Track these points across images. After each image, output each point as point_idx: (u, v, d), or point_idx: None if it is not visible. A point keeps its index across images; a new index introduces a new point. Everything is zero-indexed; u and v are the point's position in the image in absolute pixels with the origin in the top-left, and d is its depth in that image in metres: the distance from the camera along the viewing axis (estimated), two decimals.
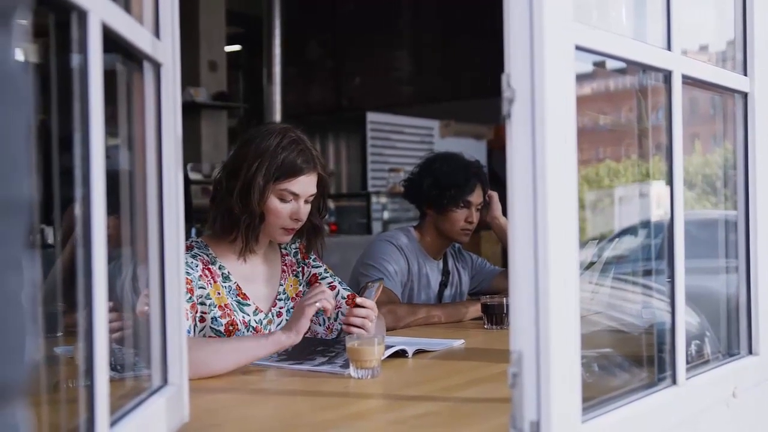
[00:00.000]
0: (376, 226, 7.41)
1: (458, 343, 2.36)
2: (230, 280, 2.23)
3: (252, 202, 2.16)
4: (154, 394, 1.32)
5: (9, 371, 0.57)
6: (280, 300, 2.34)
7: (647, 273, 1.96)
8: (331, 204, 7.75)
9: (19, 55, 0.59)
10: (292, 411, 1.65)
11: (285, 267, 2.39)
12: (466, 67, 9.29)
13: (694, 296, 1.69)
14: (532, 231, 1.17)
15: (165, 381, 1.37)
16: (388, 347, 2.04)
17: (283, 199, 2.19)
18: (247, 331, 2.22)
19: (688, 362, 1.56)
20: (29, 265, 0.60)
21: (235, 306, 2.21)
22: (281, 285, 2.36)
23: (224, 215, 2.21)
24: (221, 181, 2.23)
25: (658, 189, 1.91)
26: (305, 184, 2.21)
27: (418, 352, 2.18)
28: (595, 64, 1.48)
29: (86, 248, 1.01)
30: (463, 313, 2.87)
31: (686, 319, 1.57)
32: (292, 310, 2.32)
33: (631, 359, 1.72)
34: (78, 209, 1.02)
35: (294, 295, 2.37)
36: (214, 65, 7.81)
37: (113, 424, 1.09)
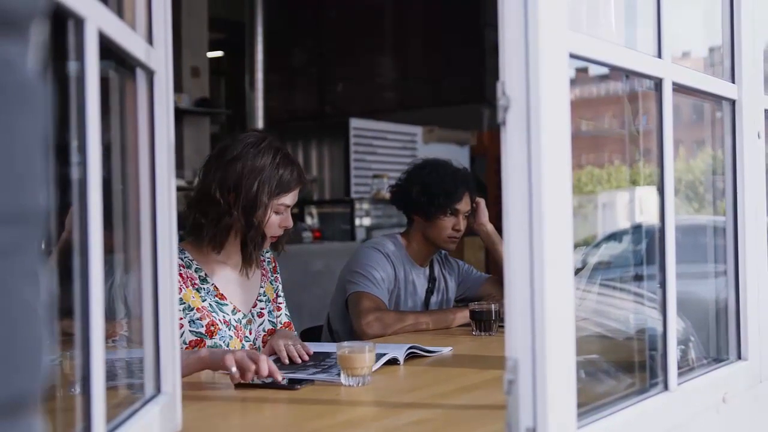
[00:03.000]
0: (360, 233, 7.39)
1: (447, 350, 2.36)
2: (208, 282, 2.29)
3: (256, 218, 2.24)
4: (147, 403, 1.31)
5: (26, 382, 0.57)
6: (261, 301, 2.42)
7: (634, 279, 1.97)
8: (314, 210, 7.72)
9: (36, 64, 0.59)
10: (284, 420, 1.64)
11: (264, 271, 2.47)
12: (449, 74, 9.33)
13: (680, 301, 1.70)
14: (527, 237, 1.17)
15: (158, 390, 1.36)
16: (379, 356, 2.04)
17: (278, 212, 2.30)
18: (228, 329, 2.26)
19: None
20: (44, 274, 0.60)
21: (214, 306, 2.26)
22: (261, 287, 2.43)
23: (225, 230, 2.26)
24: (213, 195, 2.22)
25: (641, 195, 1.92)
26: (296, 196, 2.34)
27: (410, 356, 2.18)
28: (578, 69, 1.49)
29: (83, 256, 1.00)
30: (450, 320, 2.87)
31: None
32: (272, 312, 2.43)
33: (622, 365, 1.73)
34: (74, 216, 1.02)
35: (272, 299, 2.46)
36: (197, 71, 7.78)
37: None
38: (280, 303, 2.52)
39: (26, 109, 0.56)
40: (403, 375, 2.08)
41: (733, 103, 1.84)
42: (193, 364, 1.95)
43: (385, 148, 8.22)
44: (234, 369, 1.81)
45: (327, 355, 2.20)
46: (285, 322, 2.47)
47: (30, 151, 0.57)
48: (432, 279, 3.16)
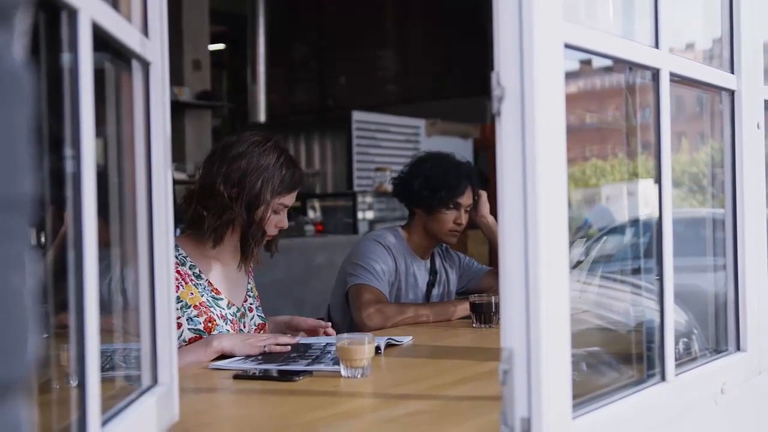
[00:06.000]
0: (362, 226, 7.39)
1: (407, 339, 2.39)
2: (202, 278, 2.31)
3: (257, 215, 2.28)
4: (144, 393, 1.32)
5: (12, 368, 0.57)
6: (250, 296, 2.46)
7: (635, 271, 1.97)
8: (317, 204, 7.73)
9: (20, 53, 0.59)
10: (282, 411, 1.65)
11: (250, 268, 2.51)
12: (451, 66, 9.33)
13: (682, 294, 1.70)
14: (522, 228, 1.17)
15: (155, 381, 1.37)
16: None
17: (275, 212, 2.33)
18: (225, 324, 2.29)
19: (676, 359, 1.56)
20: (31, 262, 0.60)
21: (210, 302, 2.29)
22: (249, 284, 2.48)
23: (225, 225, 2.29)
24: (217, 189, 2.24)
25: (644, 187, 1.92)
26: (294, 197, 2.38)
27: (388, 345, 2.23)
28: (582, 61, 1.49)
29: (77, 249, 1.00)
30: (451, 312, 2.87)
31: (674, 317, 1.58)
32: (259, 307, 2.48)
33: (620, 357, 1.73)
34: (68, 210, 1.02)
35: (256, 296, 2.51)
36: (198, 64, 7.78)
37: (104, 423, 1.09)
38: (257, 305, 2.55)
39: (11, 98, 0.57)
40: (401, 367, 2.08)
41: (732, 93, 1.84)
42: (209, 354, 2.09)
43: (388, 141, 8.21)
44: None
45: (308, 346, 2.22)
46: (259, 324, 2.47)
47: (15, 140, 0.57)
48: (433, 272, 3.16)
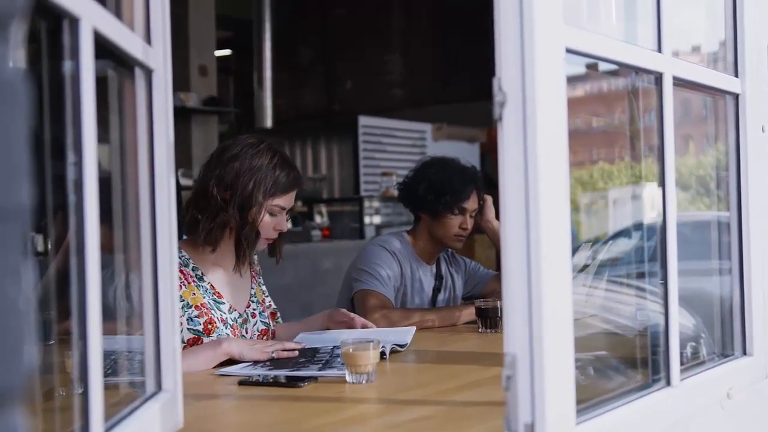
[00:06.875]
0: (369, 231, 7.39)
1: (410, 332, 2.41)
2: (204, 281, 2.32)
3: (250, 217, 2.27)
4: (148, 400, 1.32)
5: (8, 376, 0.57)
6: (253, 302, 2.46)
7: (641, 275, 1.96)
8: (324, 209, 7.73)
9: (17, 62, 0.59)
10: (287, 417, 1.64)
11: (254, 274, 2.51)
12: (457, 70, 9.31)
13: (689, 298, 1.69)
14: (524, 233, 1.17)
15: (159, 387, 1.37)
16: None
17: (272, 213, 2.33)
18: (225, 328, 2.30)
19: (683, 364, 1.56)
20: (27, 271, 0.60)
21: (212, 304, 2.30)
22: (252, 289, 2.47)
23: (220, 227, 2.29)
24: (210, 192, 2.25)
25: (651, 191, 1.91)
26: (292, 199, 2.37)
27: (393, 351, 2.23)
28: (588, 66, 1.49)
29: (79, 256, 1.01)
30: (456, 317, 2.86)
31: (681, 322, 1.57)
32: (263, 313, 2.47)
33: (626, 361, 1.72)
34: (71, 216, 1.02)
35: (261, 300, 2.50)
36: (205, 70, 7.78)
37: (108, 430, 1.09)
38: (269, 301, 2.55)
39: (8, 108, 0.57)
40: (407, 372, 2.08)
41: (736, 97, 1.83)
42: (218, 357, 2.09)
43: (394, 146, 8.21)
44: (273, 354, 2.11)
45: (316, 350, 2.21)
46: (262, 330, 2.48)
47: (12, 150, 0.57)
48: (439, 277, 3.16)
